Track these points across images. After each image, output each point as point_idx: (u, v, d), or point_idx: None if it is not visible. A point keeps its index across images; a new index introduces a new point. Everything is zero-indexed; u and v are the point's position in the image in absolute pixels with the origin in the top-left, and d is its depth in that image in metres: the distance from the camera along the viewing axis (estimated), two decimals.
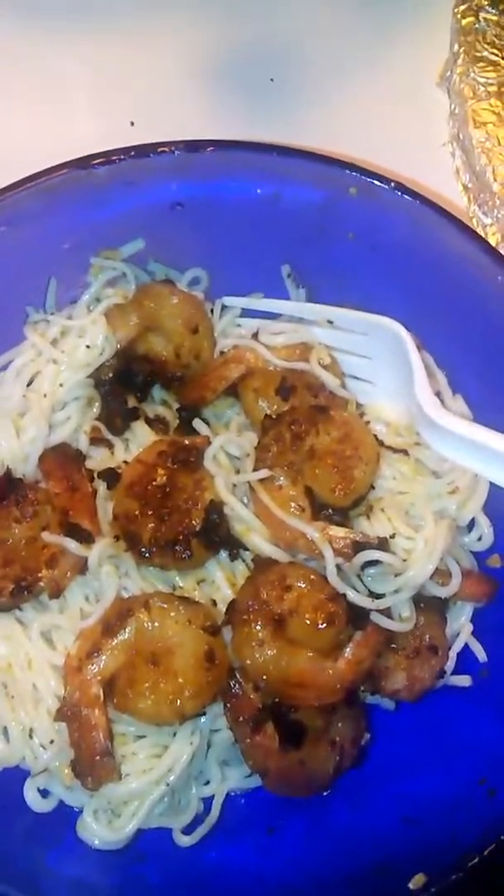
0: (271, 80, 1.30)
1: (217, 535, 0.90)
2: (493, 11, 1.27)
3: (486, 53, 1.25)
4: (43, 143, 1.22)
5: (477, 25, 1.27)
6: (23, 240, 0.92)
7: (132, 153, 0.88)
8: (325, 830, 0.87)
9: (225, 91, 1.30)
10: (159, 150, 0.88)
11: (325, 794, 0.89)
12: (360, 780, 0.89)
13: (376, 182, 0.88)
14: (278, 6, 1.33)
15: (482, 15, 1.27)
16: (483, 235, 1.21)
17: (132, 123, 1.26)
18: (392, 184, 0.88)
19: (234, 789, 0.90)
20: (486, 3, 1.28)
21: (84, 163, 0.88)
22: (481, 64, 1.24)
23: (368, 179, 0.88)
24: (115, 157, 0.87)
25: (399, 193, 0.88)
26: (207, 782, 0.89)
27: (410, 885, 0.74)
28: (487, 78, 1.24)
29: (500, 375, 0.94)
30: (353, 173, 0.89)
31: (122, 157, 0.87)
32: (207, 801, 0.89)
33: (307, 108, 1.29)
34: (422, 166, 1.23)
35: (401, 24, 1.34)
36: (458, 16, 1.28)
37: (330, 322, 0.99)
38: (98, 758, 0.82)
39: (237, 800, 0.90)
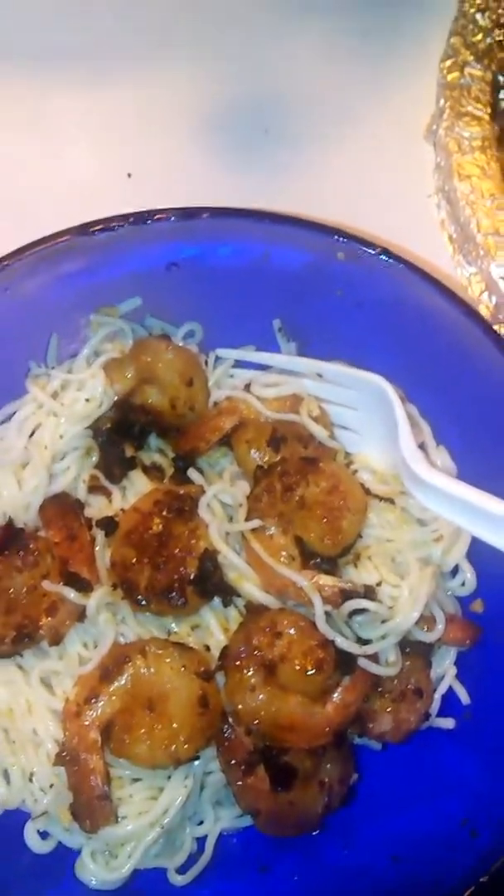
0: (266, 132, 1.35)
1: (211, 583, 0.93)
2: (478, 66, 1.32)
3: (470, 108, 1.29)
4: (42, 194, 1.27)
5: (462, 80, 1.31)
6: (26, 300, 0.95)
7: (131, 219, 0.92)
8: (315, 868, 0.91)
9: (221, 143, 1.34)
10: (156, 217, 0.92)
11: (315, 833, 0.92)
12: (350, 819, 0.93)
13: (362, 248, 0.92)
14: (272, 62, 1.38)
15: (467, 70, 1.32)
16: (468, 284, 1.25)
17: (129, 175, 1.30)
18: (377, 249, 0.93)
19: (226, 829, 0.93)
20: (471, 58, 1.33)
21: (84, 230, 0.92)
22: (466, 118, 1.29)
23: (354, 245, 0.92)
24: (114, 224, 0.91)
25: (384, 258, 0.93)
26: (201, 822, 0.92)
27: None
28: (472, 132, 1.28)
29: (481, 427, 0.98)
30: (341, 240, 0.93)
31: (121, 223, 0.92)
32: (201, 841, 0.92)
33: (300, 158, 1.34)
34: (409, 217, 1.28)
35: (390, 79, 1.38)
36: (444, 71, 1.32)
37: (319, 375, 1.03)
38: (96, 801, 0.85)
39: (230, 839, 0.93)
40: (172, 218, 0.92)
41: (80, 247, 0.93)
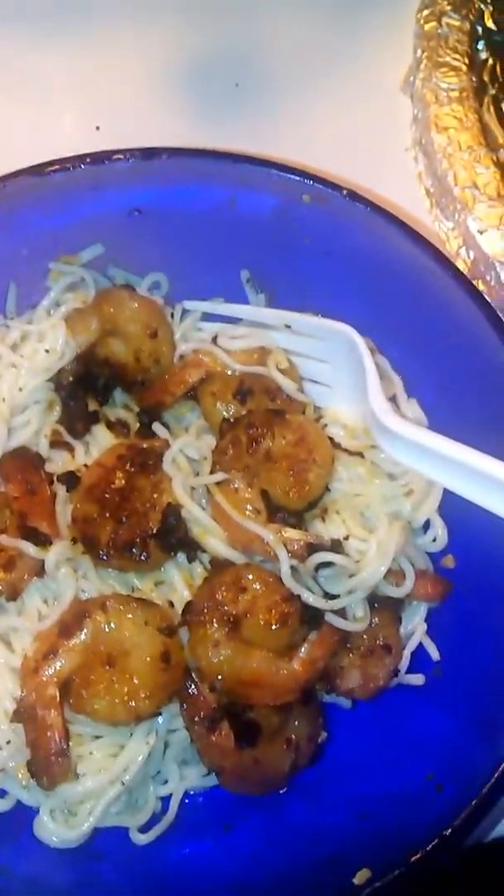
0: (236, 84, 1.31)
1: (174, 538, 0.91)
2: (456, 17, 1.29)
3: (448, 59, 1.26)
4: (6, 147, 1.23)
5: (439, 31, 1.28)
6: None
7: (88, 160, 0.89)
8: (280, 827, 0.89)
9: (191, 96, 1.31)
10: (115, 157, 0.89)
11: (281, 791, 0.90)
12: (317, 778, 0.91)
13: (328, 189, 0.89)
14: (244, 13, 1.34)
15: (444, 20, 1.28)
16: (445, 239, 1.23)
17: (98, 128, 1.27)
18: (344, 191, 0.90)
19: (192, 788, 0.91)
20: (448, 8, 1.29)
21: (39, 170, 0.88)
22: (443, 69, 1.26)
23: (320, 187, 0.89)
24: (70, 165, 0.88)
25: (350, 200, 0.90)
26: (166, 781, 0.90)
27: (355, 881, 0.76)
28: (449, 83, 1.25)
29: (454, 379, 0.96)
30: (306, 181, 0.90)
31: (78, 164, 0.88)
32: (165, 800, 0.90)
33: (272, 113, 1.30)
34: (385, 170, 1.25)
35: (366, 30, 1.35)
36: (421, 21, 1.29)
37: (288, 326, 1.00)
38: (53, 758, 0.83)
39: (195, 798, 0.91)
40: (132, 159, 0.89)
41: (36, 189, 0.89)
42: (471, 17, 1.29)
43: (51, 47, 1.32)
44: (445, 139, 1.23)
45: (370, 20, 1.35)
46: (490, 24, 1.28)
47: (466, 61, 1.26)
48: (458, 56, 1.27)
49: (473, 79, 1.25)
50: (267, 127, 1.28)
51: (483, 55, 1.27)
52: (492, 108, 1.25)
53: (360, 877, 0.76)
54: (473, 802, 0.75)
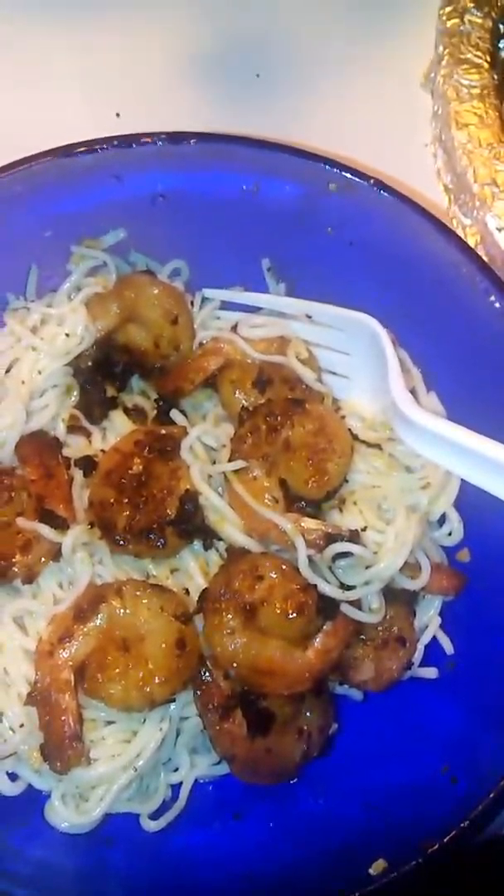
0: (257, 75, 1.31)
1: (191, 525, 0.90)
2: (478, 14, 1.29)
3: (469, 56, 1.26)
4: (27, 133, 1.22)
5: (462, 28, 1.28)
6: (4, 226, 0.92)
7: (115, 142, 0.89)
8: (289, 817, 0.89)
9: (211, 86, 1.31)
10: (142, 140, 0.89)
11: (291, 781, 0.90)
12: (327, 769, 0.91)
13: (356, 178, 0.89)
14: (267, 3, 1.34)
15: (467, 17, 1.28)
16: (462, 236, 1.22)
17: (118, 115, 1.26)
18: (371, 181, 0.89)
19: (202, 776, 0.90)
20: (471, 5, 1.29)
21: (67, 150, 0.88)
22: (465, 66, 1.26)
23: (348, 176, 0.89)
24: (98, 146, 0.88)
25: (377, 190, 0.89)
26: (176, 769, 0.90)
27: (371, 871, 0.76)
28: (470, 80, 1.25)
29: (474, 373, 0.96)
30: (333, 169, 0.90)
31: (106, 146, 0.88)
32: (175, 788, 0.89)
33: (292, 106, 1.30)
34: (404, 166, 1.24)
35: (388, 24, 1.35)
36: (444, 17, 1.29)
37: (308, 317, 1.00)
38: (67, 742, 0.83)
39: (205, 787, 0.91)
40: (159, 142, 0.88)
41: (63, 169, 0.89)
42: (493, 14, 1.28)
43: (71, 36, 1.31)
44: (465, 136, 1.22)
45: (392, 15, 1.35)
46: None
47: (488, 59, 1.26)
48: (479, 53, 1.26)
49: (495, 76, 1.25)
50: (286, 119, 1.28)
51: None
52: None
53: (377, 867, 0.75)
54: (491, 795, 0.74)
